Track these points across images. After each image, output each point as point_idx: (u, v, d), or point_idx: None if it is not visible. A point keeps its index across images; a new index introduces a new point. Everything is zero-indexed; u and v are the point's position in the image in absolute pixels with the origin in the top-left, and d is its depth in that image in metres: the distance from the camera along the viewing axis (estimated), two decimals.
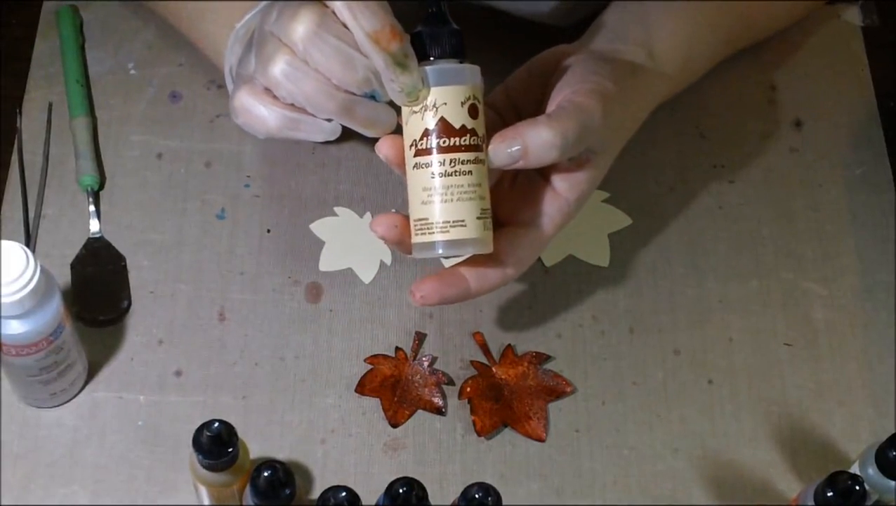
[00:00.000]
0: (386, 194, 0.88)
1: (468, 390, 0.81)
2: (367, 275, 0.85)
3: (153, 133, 0.90)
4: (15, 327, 0.72)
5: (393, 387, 0.81)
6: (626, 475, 0.79)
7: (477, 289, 0.74)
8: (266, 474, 0.67)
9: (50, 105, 0.91)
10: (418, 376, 0.82)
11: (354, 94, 0.69)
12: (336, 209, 0.88)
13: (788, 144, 0.92)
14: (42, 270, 0.71)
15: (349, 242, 0.86)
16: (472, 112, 0.69)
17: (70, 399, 0.80)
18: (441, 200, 0.69)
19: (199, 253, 0.86)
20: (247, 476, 0.70)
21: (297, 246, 0.86)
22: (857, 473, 0.71)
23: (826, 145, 0.92)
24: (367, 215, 0.87)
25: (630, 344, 0.84)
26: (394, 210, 0.87)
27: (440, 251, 0.70)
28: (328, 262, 0.86)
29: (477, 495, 0.67)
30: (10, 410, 0.79)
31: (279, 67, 0.68)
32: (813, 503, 0.71)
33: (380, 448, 0.79)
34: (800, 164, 0.92)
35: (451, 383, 0.82)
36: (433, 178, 0.69)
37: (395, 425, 0.80)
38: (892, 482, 0.71)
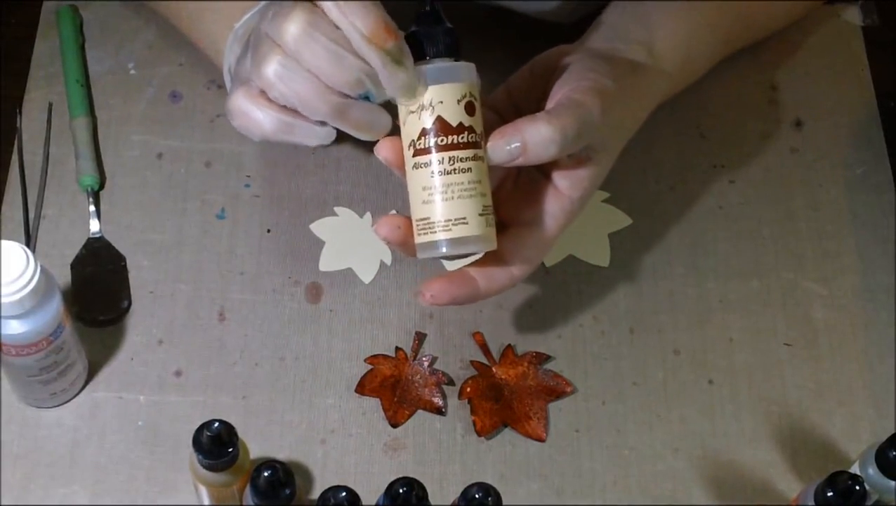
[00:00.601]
0: (386, 195, 0.88)
1: (468, 389, 0.81)
2: (367, 275, 0.85)
3: (153, 133, 0.90)
4: (15, 327, 0.72)
5: (393, 387, 0.81)
6: (626, 475, 0.79)
7: (486, 290, 0.74)
8: (266, 474, 0.67)
9: (50, 105, 0.91)
10: (418, 376, 0.82)
11: (348, 96, 0.69)
12: (336, 209, 0.88)
13: (788, 144, 0.92)
14: (42, 270, 0.71)
15: (349, 242, 0.87)
16: (469, 109, 0.69)
17: (70, 399, 0.80)
18: (442, 199, 0.69)
19: (199, 253, 0.86)
20: (247, 476, 0.70)
21: (297, 246, 0.86)
22: (857, 473, 0.71)
23: (826, 145, 0.92)
24: (368, 215, 0.87)
25: (630, 344, 0.84)
26: (394, 211, 0.87)
27: (444, 250, 0.70)
28: (328, 262, 0.86)
29: (477, 495, 0.67)
30: (10, 410, 0.79)
31: (272, 68, 0.68)
32: (813, 503, 0.71)
33: (380, 448, 0.79)
34: (800, 164, 0.92)
35: (451, 383, 0.82)
36: (433, 176, 0.69)
37: (395, 425, 0.80)
38: (892, 482, 0.71)
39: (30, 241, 0.85)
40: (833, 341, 0.85)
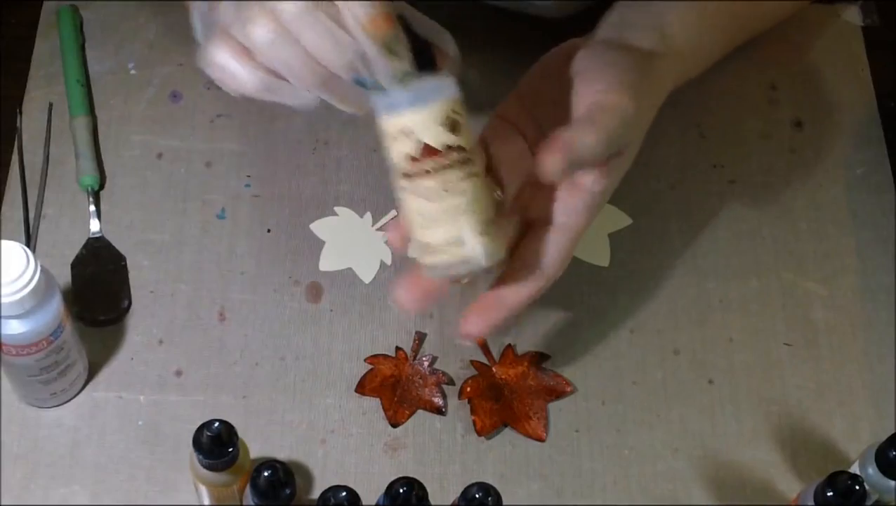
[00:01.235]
0: (386, 194, 0.88)
1: (468, 389, 0.81)
2: (367, 275, 0.85)
3: (153, 133, 0.90)
4: (15, 327, 0.72)
5: (393, 387, 0.81)
6: (626, 475, 0.79)
7: (517, 304, 0.72)
8: (266, 474, 0.67)
9: (50, 105, 0.91)
10: (418, 376, 0.82)
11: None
12: (336, 209, 0.88)
13: (788, 144, 0.92)
14: (42, 270, 0.71)
15: (349, 242, 0.87)
16: (453, 127, 0.67)
17: (70, 399, 0.80)
18: (437, 224, 0.67)
19: (199, 253, 0.86)
20: (247, 476, 0.70)
21: (297, 246, 0.86)
22: (857, 473, 0.71)
23: (826, 145, 0.92)
24: (368, 215, 0.87)
25: (630, 344, 0.84)
26: (394, 211, 0.87)
27: (447, 272, 0.68)
28: (328, 262, 0.86)
29: (477, 495, 0.67)
30: (10, 410, 0.79)
31: (264, 35, 0.66)
32: (813, 503, 0.71)
33: (380, 448, 0.79)
34: (800, 164, 0.92)
35: (451, 383, 0.82)
36: (425, 202, 0.67)
37: (395, 425, 0.80)
38: (892, 482, 0.71)
39: (30, 241, 0.85)
40: (833, 341, 0.85)
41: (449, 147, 0.66)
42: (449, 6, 0.93)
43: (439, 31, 0.70)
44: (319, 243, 0.86)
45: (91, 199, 0.87)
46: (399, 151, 0.67)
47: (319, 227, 0.87)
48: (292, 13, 0.65)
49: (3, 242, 0.70)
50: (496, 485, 0.67)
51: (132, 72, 0.93)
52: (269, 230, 0.87)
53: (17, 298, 0.70)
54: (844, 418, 0.82)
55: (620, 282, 0.86)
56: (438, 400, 0.81)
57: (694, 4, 0.81)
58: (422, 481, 0.67)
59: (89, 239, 0.86)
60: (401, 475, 0.68)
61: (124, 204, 0.88)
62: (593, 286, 0.86)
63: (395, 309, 0.84)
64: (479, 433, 0.80)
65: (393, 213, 0.87)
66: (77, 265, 0.85)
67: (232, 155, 0.90)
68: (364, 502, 0.68)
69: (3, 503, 0.76)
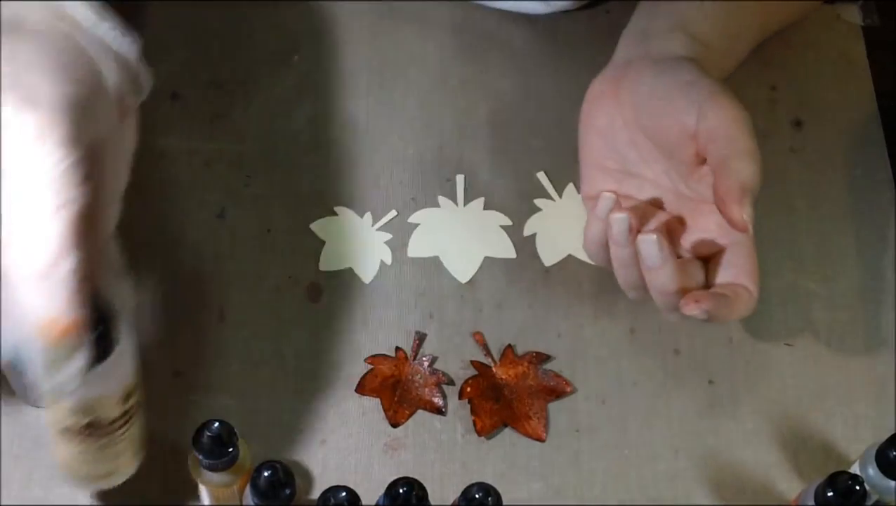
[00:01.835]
0: (386, 195, 0.88)
1: (468, 390, 0.81)
2: (367, 275, 0.85)
3: (153, 133, 0.90)
4: None
5: (393, 387, 0.81)
6: (626, 475, 0.79)
7: (729, 313, 0.72)
8: (266, 474, 0.67)
9: None
10: (418, 376, 0.82)
11: None
12: (336, 209, 0.88)
13: (788, 144, 0.92)
14: None
15: (349, 242, 0.86)
16: (126, 398, 0.67)
17: None
18: (95, 461, 0.69)
19: (199, 253, 0.86)
20: (247, 476, 0.70)
21: (297, 246, 0.86)
22: (857, 473, 0.71)
23: (826, 145, 0.92)
24: (368, 215, 0.87)
25: (630, 344, 0.84)
26: (394, 211, 0.87)
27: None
28: (328, 262, 0.86)
29: (477, 495, 0.67)
30: (11, 410, 0.79)
31: None
32: (813, 503, 0.71)
33: (380, 448, 0.79)
34: (800, 164, 0.92)
35: (451, 383, 0.82)
36: (81, 453, 0.68)
37: (395, 425, 0.80)
38: (893, 482, 0.71)
39: None
40: (833, 341, 0.85)
41: (115, 420, 0.67)
42: (454, 12, 0.94)
43: (122, 287, 0.65)
44: (319, 243, 0.86)
45: None
46: (57, 418, 0.66)
47: (319, 227, 0.87)
48: None
49: None
50: (496, 485, 0.67)
51: None
52: (269, 230, 0.87)
53: None
54: (844, 418, 0.82)
55: None
56: (438, 400, 0.81)
57: (713, 3, 0.81)
58: (422, 481, 0.67)
59: None
60: (401, 475, 0.68)
61: (124, 204, 0.87)
62: (593, 286, 0.86)
63: (395, 309, 0.84)
64: (479, 433, 0.80)
65: (393, 212, 0.87)
66: None
67: (231, 155, 0.89)
68: (364, 502, 0.68)
69: (3, 503, 0.76)
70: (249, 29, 0.94)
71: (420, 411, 0.81)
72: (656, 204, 0.77)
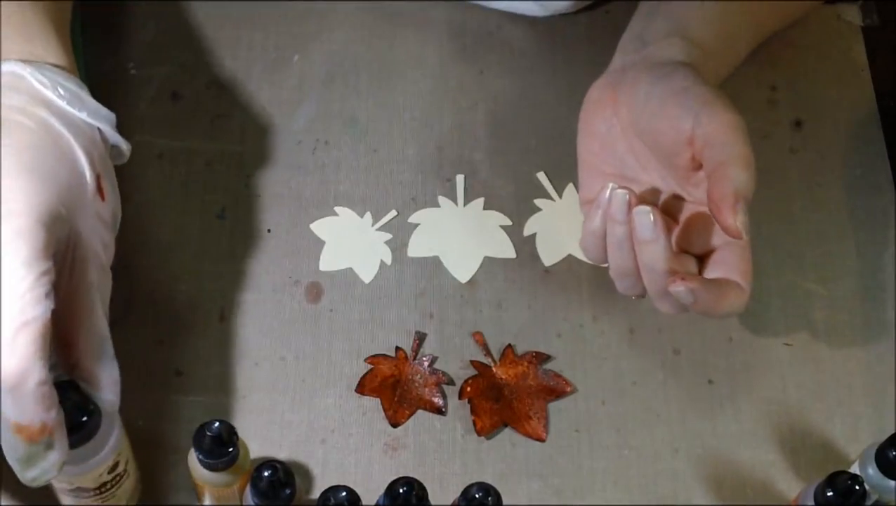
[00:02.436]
0: (386, 194, 0.88)
1: (468, 389, 0.81)
2: (367, 275, 0.85)
3: (153, 133, 0.90)
4: None
5: (393, 387, 0.81)
6: (626, 475, 0.79)
7: (725, 305, 0.73)
8: (266, 474, 0.67)
9: None
10: (418, 376, 0.82)
11: None
12: (336, 209, 0.88)
13: (788, 144, 0.92)
14: None
15: (349, 242, 0.86)
16: (114, 467, 0.69)
17: None
18: None
19: (199, 253, 0.86)
20: (247, 476, 0.70)
21: (297, 246, 0.86)
22: (857, 473, 0.71)
23: (826, 145, 0.92)
24: (368, 215, 0.87)
25: (630, 344, 0.84)
26: (394, 211, 0.87)
27: None
28: (328, 262, 0.86)
29: (477, 495, 0.67)
30: None
31: None
32: (813, 503, 0.71)
33: (380, 448, 0.79)
34: (800, 164, 0.92)
35: (451, 383, 0.82)
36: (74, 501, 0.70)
37: (395, 425, 0.80)
38: (892, 482, 0.71)
39: None
40: (833, 341, 0.85)
41: (101, 486, 0.69)
42: (456, 13, 0.94)
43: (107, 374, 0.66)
44: (319, 243, 0.86)
45: None
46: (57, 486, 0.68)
47: (319, 227, 0.87)
48: None
49: None
50: (496, 485, 0.67)
51: (132, 72, 0.93)
52: (269, 230, 0.87)
53: None
54: (844, 418, 0.82)
55: None
56: (438, 400, 0.81)
57: (709, 4, 0.81)
58: (422, 481, 0.67)
59: None
60: (401, 475, 0.68)
61: (124, 204, 0.87)
62: (593, 286, 0.86)
63: (394, 309, 0.84)
64: (479, 433, 0.80)
65: (393, 212, 0.87)
66: None
67: (232, 155, 0.90)
68: (364, 502, 0.68)
69: (2, 503, 0.76)
70: (249, 29, 0.94)
71: (420, 411, 0.81)
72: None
